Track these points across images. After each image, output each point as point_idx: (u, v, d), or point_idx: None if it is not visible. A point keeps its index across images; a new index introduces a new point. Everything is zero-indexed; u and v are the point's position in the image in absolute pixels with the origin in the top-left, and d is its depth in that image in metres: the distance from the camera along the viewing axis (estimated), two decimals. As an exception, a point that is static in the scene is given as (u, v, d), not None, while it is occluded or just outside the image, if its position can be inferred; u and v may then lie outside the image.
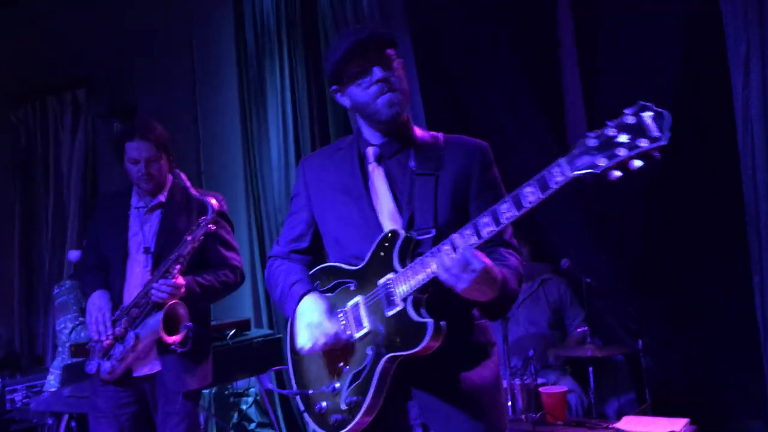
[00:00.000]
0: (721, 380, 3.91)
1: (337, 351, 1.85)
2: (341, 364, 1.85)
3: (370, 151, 1.98)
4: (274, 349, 4.41)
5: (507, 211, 1.60)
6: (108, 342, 2.81)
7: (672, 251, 4.02)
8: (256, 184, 5.28)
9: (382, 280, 1.81)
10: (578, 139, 1.50)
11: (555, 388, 3.57)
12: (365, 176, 1.95)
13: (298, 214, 2.07)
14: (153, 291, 2.75)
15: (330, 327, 1.82)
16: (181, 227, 2.93)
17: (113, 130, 5.10)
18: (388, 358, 1.76)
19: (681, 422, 3.22)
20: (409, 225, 1.86)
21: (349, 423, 1.79)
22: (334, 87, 1.99)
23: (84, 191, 6.18)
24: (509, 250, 1.89)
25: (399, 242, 1.80)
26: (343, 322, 1.87)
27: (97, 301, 2.88)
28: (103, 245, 3.02)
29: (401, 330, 1.75)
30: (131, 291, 2.90)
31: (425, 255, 1.74)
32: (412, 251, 1.81)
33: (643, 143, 1.42)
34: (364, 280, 1.86)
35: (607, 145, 1.46)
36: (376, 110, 1.90)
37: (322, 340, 1.81)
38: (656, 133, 1.41)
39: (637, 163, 1.44)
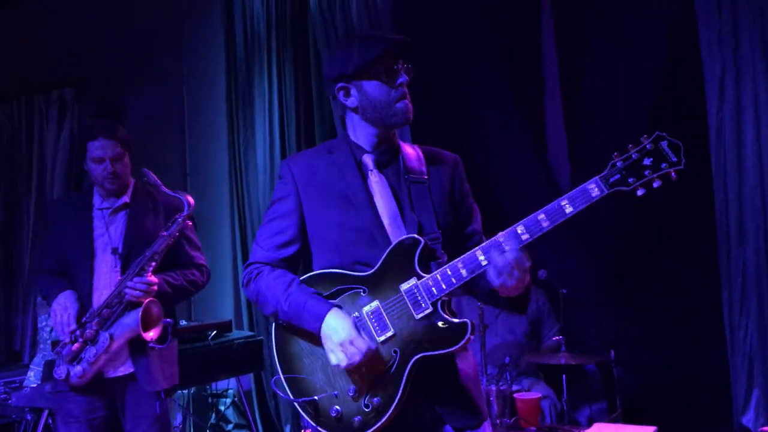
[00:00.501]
0: (690, 390, 4.02)
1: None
2: (362, 369, 1.86)
3: (368, 159, 2.01)
4: (254, 350, 4.46)
5: (544, 221, 1.80)
6: (77, 345, 2.75)
7: (646, 266, 4.14)
8: (241, 188, 5.33)
9: (405, 285, 1.87)
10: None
11: (529, 394, 3.66)
12: (366, 184, 1.98)
13: (287, 218, 2.02)
14: (127, 290, 2.75)
15: (362, 343, 1.83)
16: (149, 227, 2.93)
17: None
18: (419, 357, 1.83)
19: (649, 430, 3.33)
20: (419, 231, 1.93)
21: (376, 422, 1.83)
22: (341, 84, 1.98)
23: (67, 189, 6.18)
24: None
25: (420, 248, 1.87)
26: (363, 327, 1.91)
27: (63, 301, 2.82)
28: (67, 248, 2.95)
29: (434, 331, 1.84)
30: (101, 292, 2.86)
31: (455, 261, 1.85)
32: (428, 257, 1.90)
33: (665, 166, 1.72)
34: (378, 285, 1.89)
35: (635, 167, 1.75)
36: (394, 112, 1.95)
37: (357, 357, 1.82)
38: (674, 159, 1.73)
39: (657, 183, 1.73)
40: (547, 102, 4.62)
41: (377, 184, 1.98)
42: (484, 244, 1.85)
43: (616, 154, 1.79)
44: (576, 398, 3.99)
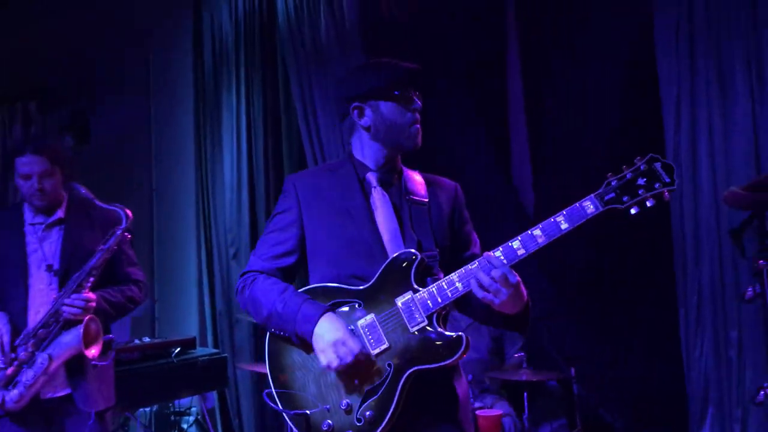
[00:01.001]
0: (647, 407, 4.10)
1: (350, 368, 1.87)
2: (355, 380, 1.88)
3: (372, 177, 2.06)
4: (218, 368, 4.44)
5: (540, 237, 1.84)
6: (12, 369, 2.65)
7: (606, 285, 4.22)
8: (207, 204, 5.32)
9: (401, 299, 1.90)
10: (603, 178, 1.85)
11: (491, 411, 3.71)
12: (368, 200, 2.03)
13: (287, 230, 2.04)
14: (65, 308, 2.67)
15: (354, 344, 1.85)
16: (85, 243, 2.85)
17: (65, 144, 5.09)
18: (413, 371, 1.85)
19: (607, 445, 3.40)
20: (418, 249, 1.96)
21: None
22: (356, 103, 2.03)
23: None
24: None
25: (416, 263, 1.91)
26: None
27: None
28: None
29: (428, 345, 1.86)
30: (36, 310, 2.77)
31: (454, 274, 1.88)
32: (424, 272, 1.94)
33: (657, 187, 1.80)
34: (373, 299, 1.92)
35: (629, 187, 1.81)
36: (407, 135, 2.02)
37: (349, 358, 1.84)
38: (668, 179, 1.81)
39: (650, 203, 1.79)
40: (512, 122, 4.71)
41: (379, 201, 2.03)
42: (477, 259, 1.88)
43: (610, 174, 1.85)
44: (537, 414, 4.04)
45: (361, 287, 1.94)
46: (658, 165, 1.81)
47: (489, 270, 1.83)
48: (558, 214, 1.83)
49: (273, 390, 1.95)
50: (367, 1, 4.76)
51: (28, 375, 2.66)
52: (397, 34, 4.75)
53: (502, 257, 1.86)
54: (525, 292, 1.90)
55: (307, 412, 1.89)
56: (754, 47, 3.62)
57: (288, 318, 1.92)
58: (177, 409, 5.00)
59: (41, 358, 2.68)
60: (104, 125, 5.28)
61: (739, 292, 3.52)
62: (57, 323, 2.70)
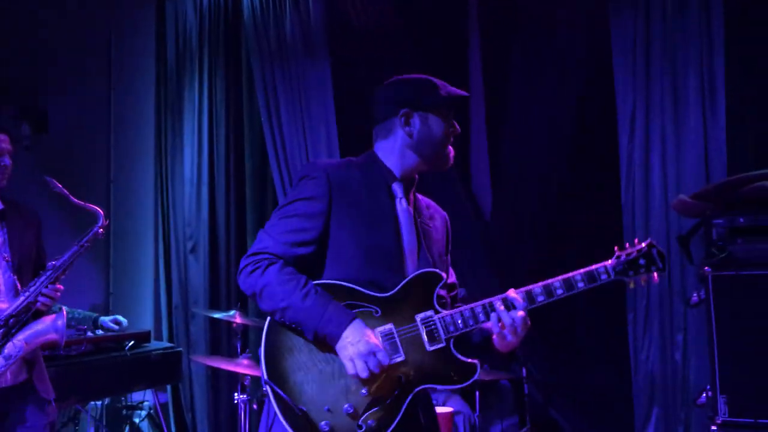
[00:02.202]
0: (595, 407, 4.22)
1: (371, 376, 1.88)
2: (364, 387, 1.88)
3: (398, 187, 2.07)
4: (172, 362, 4.41)
5: (559, 289, 2.00)
6: None
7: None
8: (166, 197, 5.28)
9: (421, 315, 1.94)
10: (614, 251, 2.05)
11: (443, 409, 3.76)
12: (394, 209, 2.04)
13: (312, 219, 1.95)
14: (42, 297, 2.75)
15: (384, 357, 1.87)
16: (26, 236, 2.89)
17: (21, 133, 4.99)
18: (423, 388, 1.92)
19: (556, 444, 3.49)
20: (433, 265, 2.04)
21: None
22: (407, 109, 2.03)
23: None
24: None
25: (440, 284, 1.98)
26: None
27: None
28: None
29: (443, 365, 1.93)
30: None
31: (474, 305, 1.97)
32: (442, 295, 2.02)
33: (653, 269, 2.02)
34: (392, 309, 1.94)
35: (633, 265, 2.02)
36: (445, 154, 2.08)
37: (377, 370, 1.86)
38: (661, 266, 2.02)
39: (644, 280, 2.03)
40: (473, 132, 4.79)
41: (403, 213, 2.05)
42: (502, 295, 1.97)
43: (616, 248, 2.04)
44: (489, 413, 4.12)
45: (381, 295, 1.94)
46: (654, 251, 2.02)
47: (510, 309, 1.94)
48: (576, 273, 2.01)
49: (266, 377, 1.90)
50: (333, 0, 4.79)
51: None
52: (362, 35, 4.79)
53: (522, 300, 1.96)
54: None
55: (304, 408, 1.86)
56: (707, 60, 3.76)
57: (311, 315, 1.87)
58: (129, 403, 4.95)
59: (19, 344, 2.72)
60: (63, 115, 5.19)
61: (686, 297, 3.65)
62: (28, 311, 2.75)
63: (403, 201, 2.06)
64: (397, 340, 1.92)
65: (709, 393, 3.10)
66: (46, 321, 2.76)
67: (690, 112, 3.80)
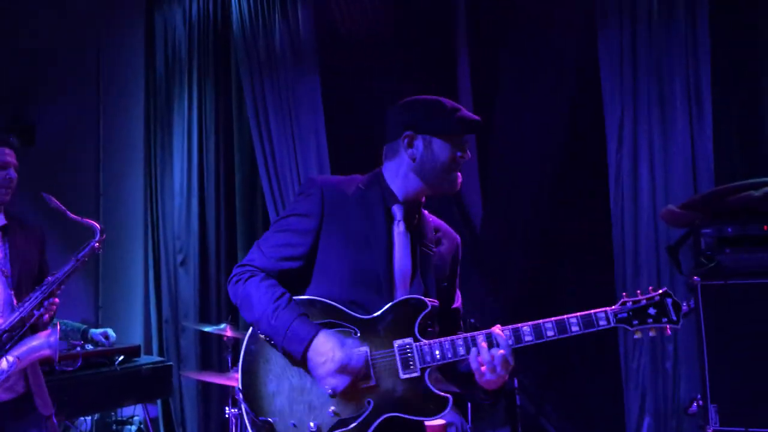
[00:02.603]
0: (586, 417, 4.21)
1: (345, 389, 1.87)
2: (331, 406, 1.87)
3: (398, 210, 2.02)
4: (163, 376, 4.38)
5: (549, 330, 1.89)
6: None
7: (548, 299, 4.31)
8: (155, 211, 5.26)
9: (399, 342, 1.89)
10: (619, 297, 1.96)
11: (435, 420, 3.74)
12: (389, 233, 1.99)
13: (302, 235, 1.97)
14: (37, 311, 2.72)
15: (357, 364, 1.85)
16: (27, 252, 2.89)
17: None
18: (391, 416, 1.85)
19: (547, 455, 3.48)
20: (424, 296, 1.95)
21: None
22: (410, 132, 2.00)
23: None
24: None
25: (424, 312, 1.91)
26: None
27: None
28: None
29: (414, 396, 1.87)
30: None
31: (455, 338, 1.89)
32: (427, 324, 1.93)
33: (664, 321, 1.91)
34: (371, 332, 1.90)
35: (640, 313, 1.91)
36: (450, 178, 2.01)
37: (348, 380, 1.85)
38: (674, 317, 1.90)
39: (652, 333, 1.90)
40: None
41: (399, 237, 2.00)
42: (486, 331, 1.89)
43: (625, 294, 1.94)
44: (481, 424, 4.11)
45: (362, 316, 1.91)
46: (669, 301, 1.91)
47: (492, 346, 1.86)
48: (572, 316, 1.91)
49: (240, 389, 1.94)
50: (322, 11, 4.79)
51: None
52: (352, 45, 4.79)
53: (508, 339, 1.87)
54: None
55: (270, 420, 1.88)
56: (693, 70, 3.78)
57: (277, 331, 1.88)
58: (119, 418, 4.91)
59: (11, 361, 2.70)
60: (50, 127, 5.17)
61: (676, 306, 3.64)
62: (22, 327, 2.73)
63: (402, 224, 2.01)
64: (370, 363, 1.88)
65: (700, 402, 3.10)
66: (40, 337, 2.74)
67: (677, 118, 3.81)
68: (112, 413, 4.82)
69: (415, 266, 2.00)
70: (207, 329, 4.31)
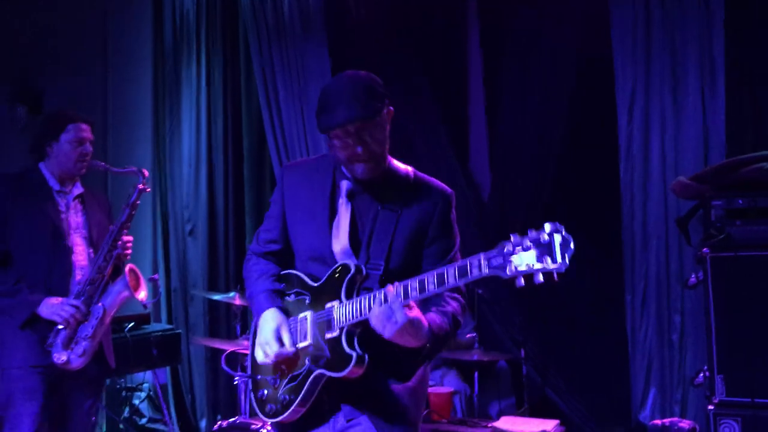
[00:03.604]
0: (593, 387, 4.25)
1: (278, 359, 2.05)
2: (283, 365, 2.05)
3: (344, 185, 2.08)
4: (172, 344, 4.42)
5: (431, 284, 1.79)
6: (69, 330, 2.85)
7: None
8: (164, 178, 5.26)
9: (329, 305, 2.00)
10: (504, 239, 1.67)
11: (441, 389, 3.79)
12: (333, 208, 2.08)
13: (274, 219, 2.20)
14: (116, 251, 2.99)
15: (275, 347, 2.01)
16: (99, 218, 3.16)
17: (17, 115, 4.96)
18: (318, 374, 1.97)
19: (552, 423, 3.54)
20: (366, 259, 2.02)
21: (281, 415, 2.03)
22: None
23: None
24: (453, 294, 2.05)
25: (348, 276, 1.98)
26: (292, 329, 2.08)
27: (52, 303, 2.85)
28: (24, 227, 2.94)
29: (333, 354, 1.96)
30: (79, 269, 3.00)
31: (366, 296, 1.90)
32: (359, 285, 1.99)
33: (545, 264, 1.60)
34: (317, 299, 2.05)
35: (520, 257, 1.62)
36: (350, 169, 2.07)
37: (269, 359, 2.04)
38: (558, 259, 1.58)
39: (540, 278, 1.60)
40: (472, 111, 4.78)
41: (342, 213, 2.08)
42: (395, 284, 1.85)
43: (517, 234, 1.67)
44: (487, 393, 4.15)
45: (312, 284, 2.08)
46: (558, 238, 1.59)
47: (383, 303, 1.82)
48: (451, 265, 1.75)
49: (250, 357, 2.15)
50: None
51: (86, 329, 2.89)
52: (360, 18, 4.76)
53: (397, 294, 1.82)
54: (425, 329, 1.87)
55: (253, 377, 2.14)
56: (707, 43, 3.74)
57: (251, 304, 2.17)
58: (129, 385, 4.97)
59: (96, 309, 2.93)
60: (58, 96, 5.15)
61: (684, 278, 3.66)
62: (102, 278, 2.97)
63: (344, 199, 2.07)
64: (308, 326, 2.02)
65: (707, 373, 3.12)
66: (116, 283, 2.99)
67: (689, 92, 3.79)
68: (122, 380, 4.88)
69: (359, 234, 2.05)
70: (216, 297, 4.34)
